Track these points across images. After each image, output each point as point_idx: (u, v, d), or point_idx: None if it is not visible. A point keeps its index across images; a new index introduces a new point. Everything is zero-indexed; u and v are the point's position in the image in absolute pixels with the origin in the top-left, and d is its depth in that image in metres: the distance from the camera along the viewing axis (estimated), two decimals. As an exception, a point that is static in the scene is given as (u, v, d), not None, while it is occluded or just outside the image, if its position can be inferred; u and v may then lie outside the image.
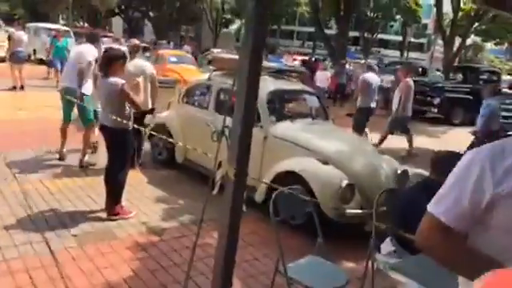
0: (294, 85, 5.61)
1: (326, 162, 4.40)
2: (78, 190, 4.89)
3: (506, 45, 45.40)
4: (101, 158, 5.44)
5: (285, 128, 4.86)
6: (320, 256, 2.90)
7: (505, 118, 12.16)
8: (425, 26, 52.99)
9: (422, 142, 10.50)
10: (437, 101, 13.89)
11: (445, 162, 2.59)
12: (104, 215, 4.23)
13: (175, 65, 13.98)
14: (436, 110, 13.99)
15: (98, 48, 5.89)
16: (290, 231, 3.94)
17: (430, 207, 1.36)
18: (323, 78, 12.49)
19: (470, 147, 7.50)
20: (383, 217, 3.92)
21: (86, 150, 5.71)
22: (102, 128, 4.24)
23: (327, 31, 26.42)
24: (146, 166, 5.94)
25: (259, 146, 4.82)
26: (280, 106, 5.39)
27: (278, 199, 2.77)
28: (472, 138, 7.63)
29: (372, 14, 43.36)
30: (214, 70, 5.69)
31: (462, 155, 2.75)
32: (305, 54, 36.11)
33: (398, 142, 8.90)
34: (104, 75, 4.08)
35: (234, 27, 45.80)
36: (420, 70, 18.05)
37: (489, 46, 48.68)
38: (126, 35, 33.91)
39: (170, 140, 5.24)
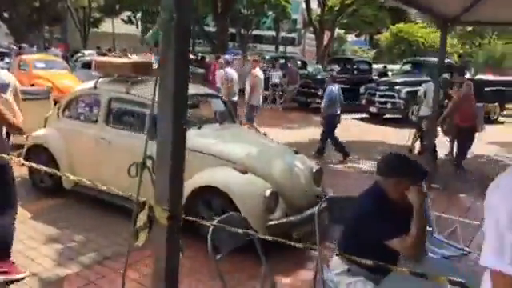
0: (197, 88, 5.11)
1: (244, 171, 4.03)
2: None
3: (364, 36, 50.47)
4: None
5: (193, 137, 4.35)
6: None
7: (381, 103, 13.32)
8: (294, 22, 56.08)
9: (311, 132, 10.81)
10: (320, 92, 14.54)
11: (391, 164, 2.40)
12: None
13: (44, 71, 12.27)
14: (319, 101, 14.64)
15: None
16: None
17: (492, 263, 1.04)
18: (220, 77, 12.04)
19: (324, 127, 8.04)
20: (312, 223, 3.72)
21: None
22: None
23: (206, 28, 26.18)
24: (26, 196, 4.90)
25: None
26: (187, 113, 4.85)
27: (215, 233, 2.30)
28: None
29: (246, 11, 44.29)
30: (100, 77, 4.89)
31: (406, 157, 2.63)
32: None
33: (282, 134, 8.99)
34: None
35: (104, 26, 42.66)
36: (300, 63, 18.77)
37: (349, 38, 53.61)
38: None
39: (52, 170, 4.33)
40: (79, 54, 20.79)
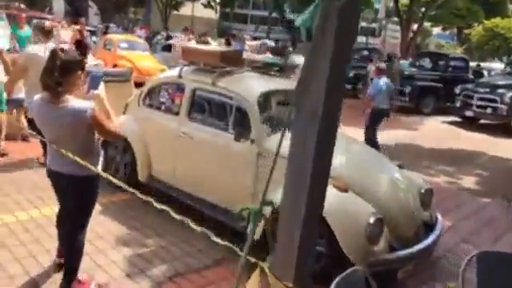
0: (287, 83, 4.49)
1: (344, 189, 3.37)
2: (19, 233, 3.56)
3: (449, 30, 46.58)
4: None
5: (285, 142, 3.75)
6: None
7: (479, 107, 11.83)
8: (376, 11, 53.28)
9: (401, 135, 9.77)
10: (408, 89, 13.29)
11: None
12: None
13: (127, 51, 12.40)
14: (407, 100, 13.39)
15: None
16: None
17: None
18: None
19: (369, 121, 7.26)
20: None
21: None
22: (54, 175, 2.76)
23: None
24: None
25: (251, 166, 3.70)
26: (273, 112, 4.26)
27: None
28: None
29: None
30: (185, 65, 4.44)
31: None
32: (258, 39, 34.86)
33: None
34: (53, 95, 2.52)
35: (183, 9, 43.46)
36: (386, 56, 17.42)
37: (434, 31, 49.93)
38: (67, 18, 30.98)
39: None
40: (159, 37, 21.12)
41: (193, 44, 10.48)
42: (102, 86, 2.78)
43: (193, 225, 1.60)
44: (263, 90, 3.97)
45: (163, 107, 4.56)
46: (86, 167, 2.52)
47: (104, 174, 2.42)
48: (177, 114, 4.32)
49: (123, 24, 31.61)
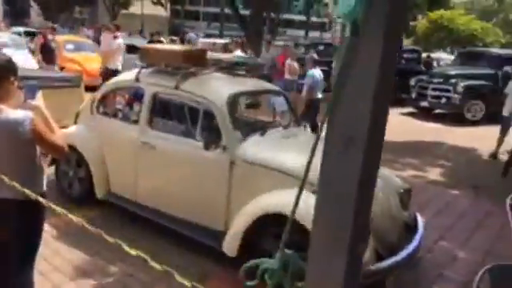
0: (256, 83, 4.20)
1: (325, 196, 3.14)
2: None
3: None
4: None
5: (256, 147, 3.48)
6: None
7: (434, 97, 12.13)
8: (326, 5, 54.12)
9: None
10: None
11: None
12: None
13: (74, 53, 11.65)
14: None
15: None
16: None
17: None
18: (295, 67, 9.76)
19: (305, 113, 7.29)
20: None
21: None
22: None
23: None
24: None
25: (224, 175, 3.40)
26: (244, 115, 3.97)
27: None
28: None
29: (278, -7, 42.74)
30: (143, 67, 4.04)
31: None
32: (212, 36, 34.41)
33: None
34: None
35: (132, 8, 42.07)
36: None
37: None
38: (6, 19, 29.03)
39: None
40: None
41: (120, 42, 9.70)
42: (39, 94, 2.36)
43: (178, 277, 1.28)
44: (232, 92, 3.67)
45: (120, 115, 4.16)
46: (32, 190, 2.08)
47: (45, 202, 1.98)
48: (136, 121, 3.93)
49: (68, 24, 30.03)
